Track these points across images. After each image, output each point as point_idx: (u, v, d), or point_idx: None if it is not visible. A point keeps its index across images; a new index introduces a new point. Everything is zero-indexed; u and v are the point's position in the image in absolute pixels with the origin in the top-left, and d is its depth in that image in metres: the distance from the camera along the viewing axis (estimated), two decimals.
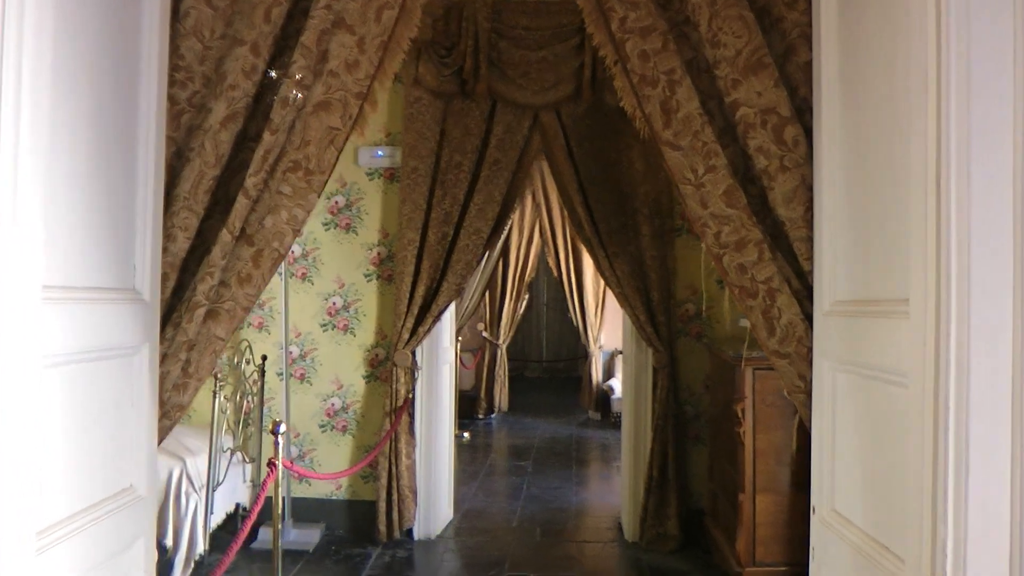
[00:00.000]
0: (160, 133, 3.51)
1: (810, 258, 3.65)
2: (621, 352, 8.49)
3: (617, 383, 13.18)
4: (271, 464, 4.93)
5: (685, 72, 3.78)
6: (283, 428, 5.05)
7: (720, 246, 3.74)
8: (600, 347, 13.90)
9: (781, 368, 3.77)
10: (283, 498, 7.05)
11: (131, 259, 3.38)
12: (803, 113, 3.69)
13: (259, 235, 3.78)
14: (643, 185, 7.13)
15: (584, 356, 14.39)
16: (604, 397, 13.69)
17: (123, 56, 3.28)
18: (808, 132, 3.66)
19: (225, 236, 3.66)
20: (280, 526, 7.05)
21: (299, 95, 3.72)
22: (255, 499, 4.85)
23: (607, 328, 13.86)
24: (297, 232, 3.83)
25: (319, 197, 3.91)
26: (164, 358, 3.65)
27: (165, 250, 3.61)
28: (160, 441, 3.69)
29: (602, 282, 13.21)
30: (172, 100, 3.67)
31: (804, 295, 3.69)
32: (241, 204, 3.67)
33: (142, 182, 3.42)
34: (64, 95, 2.86)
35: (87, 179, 3.05)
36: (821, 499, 3.69)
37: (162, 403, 3.67)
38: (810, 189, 3.65)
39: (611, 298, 12.75)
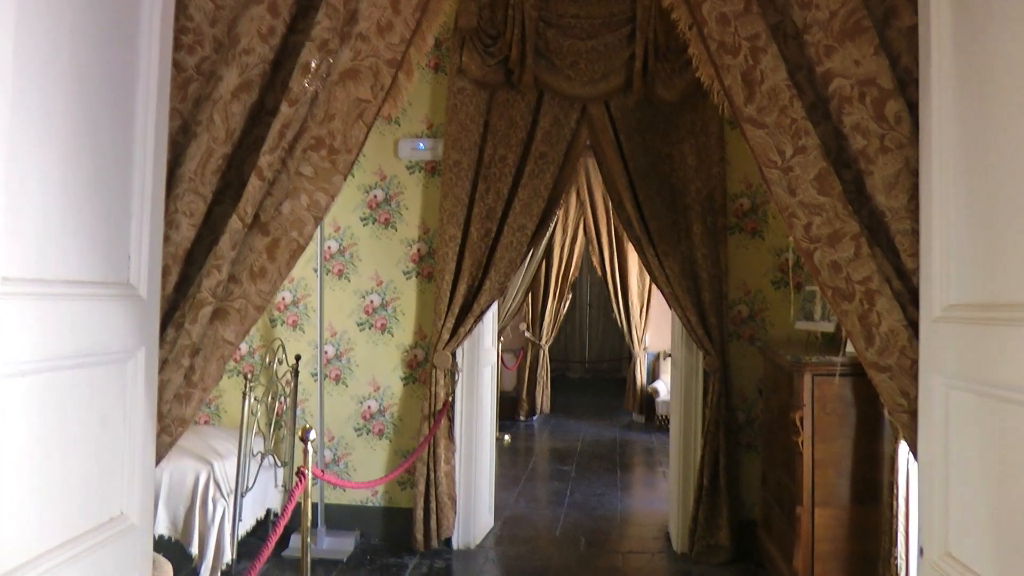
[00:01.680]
0: (163, 103, 3.13)
1: (915, 255, 3.24)
2: (670, 355, 8.20)
3: (662, 385, 13.06)
4: (300, 473, 4.66)
5: (770, 38, 3.42)
6: (313, 435, 4.79)
7: (810, 240, 3.35)
8: (645, 348, 13.68)
9: (880, 383, 3.38)
10: (315, 504, 6.91)
11: (125, 248, 2.99)
12: (906, 86, 3.29)
13: (275, 223, 3.40)
14: (695, 181, 6.89)
15: (628, 357, 14.21)
16: (649, 399, 13.51)
17: (119, 11, 2.90)
18: (912, 108, 3.26)
19: (235, 223, 3.28)
20: (310, 535, 6.93)
21: (323, 62, 3.31)
22: (285, 506, 4.55)
23: (652, 329, 13.75)
24: (318, 219, 3.48)
25: (344, 180, 3.56)
26: (164, 364, 3.27)
27: (167, 239, 3.23)
28: (159, 460, 3.32)
29: (647, 282, 13.10)
30: (178, 66, 3.27)
31: (907, 298, 3.30)
32: (254, 187, 3.28)
33: (140, 159, 3.03)
34: (32, 47, 2.47)
35: (67, 151, 2.65)
36: (931, 539, 3.28)
37: (161, 416, 3.28)
38: (914, 174, 3.25)
39: (656, 298, 12.89)
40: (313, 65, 3.28)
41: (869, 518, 5.48)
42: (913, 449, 3.34)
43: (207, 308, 3.28)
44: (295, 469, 4.79)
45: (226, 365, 3.41)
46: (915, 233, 3.23)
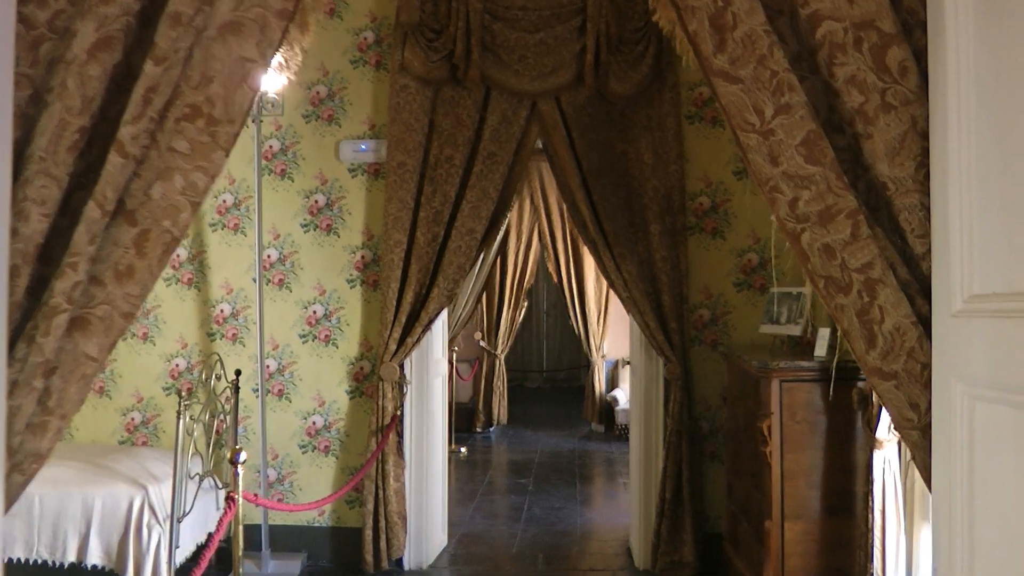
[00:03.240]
0: (5, 67, 2.63)
1: (925, 235, 2.76)
2: (628, 362, 7.95)
3: (621, 394, 12.88)
4: (230, 499, 4.29)
5: None
6: (244, 456, 4.42)
7: (797, 219, 2.86)
8: (603, 356, 13.51)
9: (884, 393, 2.89)
10: (259, 526, 6.57)
11: None
12: (911, 30, 2.83)
13: (144, 210, 2.85)
14: (652, 179, 6.66)
15: (586, 365, 14.06)
16: (608, 408, 13.33)
17: None
18: (919, 56, 2.79)
19: (93, 211, 2.73)
20: (256, 559, 6.58)
21: (199, 12, 2.79)
22: (212, 535, 4.18)
23: (610, 336, 13.53)
24: (196, 206, 2.95)
25: (227, 157, 3.05)
26: (14, 387, 2.74)
27: (14, 233, 2.71)
28: (8, 507, 2.81)
29: (604, 288, 12.94)
30: (27, 22, 2.76)
31: (916, 289, 2.81)
32: (114, 165, 2.72)
33: None
34: None
35: None
36: (951, 574, 2.77)
37: (11, 452, 2.75)
38: (923, 136, 2.78)
39: (614, 305, 12.78)
40: (185, 15, 2.77)
41: (842, 531, 5.25)
42: (925, 474, 2.86)
43: (62, 317, 2.75)
44: (225, 494, 4.41)
45: (89, 388, 2.90)
46: (925, 209, 2.76)
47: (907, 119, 2.79)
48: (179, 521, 5.72)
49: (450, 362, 11.79)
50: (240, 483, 4.43)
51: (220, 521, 4.25)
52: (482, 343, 13.40)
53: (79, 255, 2.74)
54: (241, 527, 4.44)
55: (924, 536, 4.80)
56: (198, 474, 6.02)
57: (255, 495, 5.23)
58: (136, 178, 2.85)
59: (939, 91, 2.70)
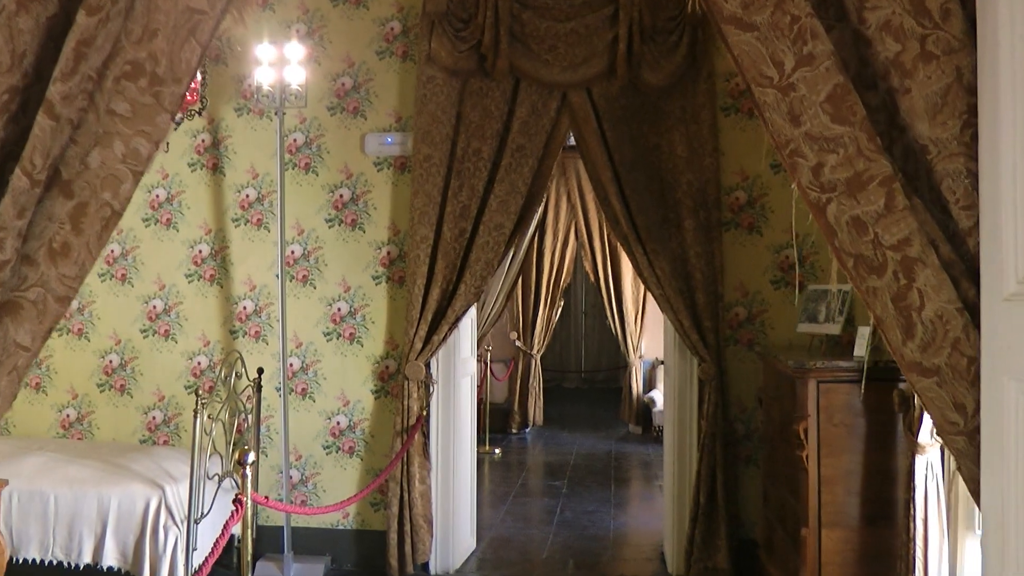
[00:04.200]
0: None
1: (972, 206, 2.40)
2: (663, 362, 7.73)
3: (659, 395, 12.67)
4: (237, 502, 4.12)
5: None
6: (252, 458, 4.24)
7: (822, 188, 2.53)
8: (641, 356, 13.41)
9: (924, 391, 2.54)
10: (281, 528, 6.44)
11: None
12: None
13: (81, 180, 2.57)
14: (686, 173, 6.49)
15: (624, 366, 13.89)
16: (645, 410, 13.19)
17: None
18: None
19: (20, 181, 2.46)
20: (280, 561, 6.44)
21: None
22: (217, 541, 4.02)
23: (648, 336, 13.40)
24: (139, 175, 2.66)
25: (173, 121, 2.77)
26: None
27: None
28: None
29: (642, 288, 12.82)
30: None
31: (961, 269, 2.43)
32: (43, 128, 2.44)
33: None
34: None
35: None
36: None
37: None
38: (970, 91, 2.43)
39: (651, 305, 12.58)
40: None
41: (882, 541, 5.02)
42: (973, 486, 2.54)
43: None
44: (233, 496, 4.24)
45: (22, 380, 2.67)
46: (972, 175, 2.39)
47: (951, 71, 2.44)
48: (196, 523, 5.61)
49: (485, 362, 11.78)
50: (248, 485, 4.25)
51: (225, 526, 4.08)
52: (517, 343, 13.28)
53: (5, 230, 2.50)
54: (250, 532, 4.26)
55: (969, 547, 4.57)
56: (217, 474, 5.87)
57: (266, 497, 5.07)
58: (72, 144, 2.59)
59: (989, 37, 2.36)
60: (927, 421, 4.42)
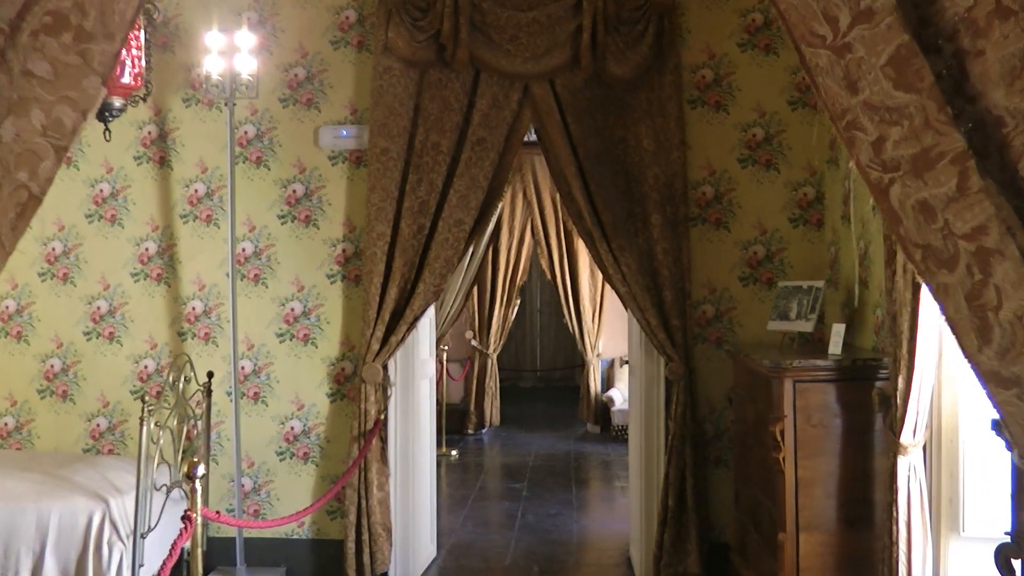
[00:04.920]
0: None
1: None
2: (627, 361, 7.60)
3: (617, 393, 12.58)
4: (186, 518, 3.86)
5: None
6: (202, 470, 3.99)
7: (884, 166, 2.13)
8: (598, 355, 13.29)
9: (1003, 405, 2.09)
10: (234, 539, 6.22)
11: None
12: None
13: None
14: (653, 167, 6.34)
15: (580, 365, 13.80)
16: (604, 409, 13.06)
17: None
18: None
19: None
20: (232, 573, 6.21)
21: None
22: (165, 561, 3.76)
23: (606, 334, 13.30)
24: (62, 151, 2.19)
25: (104, 85, 2.29)
26: None
27: None
28: None
29: (600, 285, 12.80)
30: None
31: None
32: None
33: None
34: None
35: None
36: None
37: None
38: None
39: (609, 302, 12.56)
40: None
41: (861, 544, 4.92)
42: None
43: None
44: (182, 513, 3.98)
45: None
46: None
47: None
48: (143, 537, 5.31)
49: (440, 362, 11.60)
50: (198, 500, 4.00)
51: (174, 544, 3.82)
52: (473, 342, 13.15)
53: None
54: (200, 549, 4.01)
55: (953, 549, 4.46)
56: (165, 485, 5.59)
57: (217, 512, 4.82)
58: None
59: None
60: (910, 421, 4.27)
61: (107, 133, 5.79)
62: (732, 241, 6.53)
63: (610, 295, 11.99)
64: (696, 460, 6.32)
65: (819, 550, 4.93)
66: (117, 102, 5.55)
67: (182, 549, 5.84)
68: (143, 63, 5.70)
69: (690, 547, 6.27)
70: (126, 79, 5.48)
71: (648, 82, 6.31)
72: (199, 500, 4.04)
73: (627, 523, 7.44)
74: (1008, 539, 3.11)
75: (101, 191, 6.75)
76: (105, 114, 5.60)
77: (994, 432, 3.21)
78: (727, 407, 6.46)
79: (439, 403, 11.34)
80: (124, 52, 5.37)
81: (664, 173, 6.33)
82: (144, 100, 5.97)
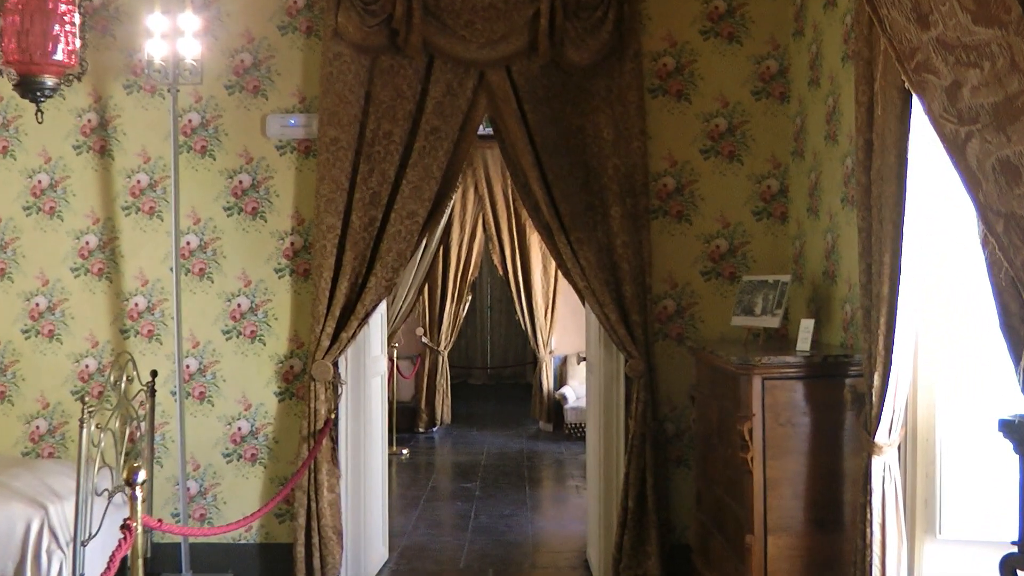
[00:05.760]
0: None
1: None
2: (584, 358, 7.45)
3: (571, 391, 12.51)
4: (125, 527, 3.62)
5: None
6: (142, 476, 3.76)
7: (960, 118, 1.82)
8: (551, 352, 13.15)
9: None
10: (179, 544, 6.01)
11: None
12: None
13: None
14: (613, 158, 6.21)
15: (533, 362, 13.74)
16: (557, 406, 12.93)
17: None
18: None
19: None
20: None
21: None
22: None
23: (558, 331, 13.19)
24: None
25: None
26: None
27: None
28: None
29: (553, 281, 12.68)
30: None
31: None
32: None
33: None
34: None
35: None
36: None
37: None
38: None
39: (562, 298, 12.58)
40: None
41: (832, 546, 4.78)
42: None
43: None
44: (122, 521, 3.74)
45: None
46: None
47: None
48: (84, 545, 5.08)
49: (391, 359, 11.41)
50: (139, 508, 3.76)
51: (112, 556, 3.58)
52: (424, 339, 13.01)
53: None
54: (141, 560, 3.77)
55: (928, 552, 4.31)
56: (107, 490, 5.35)
57: (159, 520, 4.59)
58: None
59: None
60: (885, 420, 4.12)
61: (39, 115, 5.49)
62: (694, 234, 6.40)
63: (563, 291, 12.05)
64: (657, 460, 6.17)
65: (787, 553, 4.76)
66: (49, 81, 5.24)
67: (125, 559, 5.69)
68: (78, 41, 5.41)
69: (650, 549, 6.14)
70: (59, 56, 5.17)
71: (608, 70, 6.17)
72: (139, 508, 3.79)
73: (583, 524, 7.33)
74: (1015, 549, 2.98)
75: (39, 182, 6.47)
76: (37, 93, 5.31)
77: (1002, 434, 3.06)
78: (689, 405, 6.28)
79: (390, 401, 11.25)
80: (57, 27, 5.11)
81: (624, 164, 6.19)
82: (79, 79, 5.68)
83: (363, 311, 6.18)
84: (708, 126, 6.32)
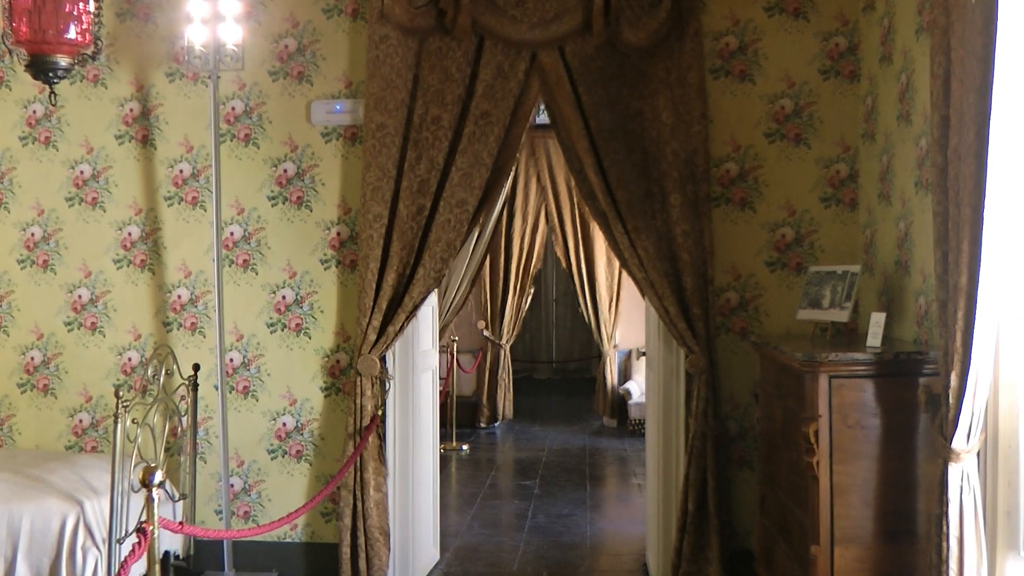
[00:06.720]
0: None
1: None
2: (644, 353, 7.22)
3: (635, 386, 12.28)
4: (140, 531, 3.43)
5: None
6: (159, 477, 3.57)
7: None
8: (615, 346, 12.94)
9: None
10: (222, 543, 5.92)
11: None
12: None
13: None
14: (672, 142, 5.96)
15: (597, 356, 13.54)
16: (621, 402, 12.73)
17: None
18: None
19: None
20: None
21: None
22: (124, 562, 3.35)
23: (623, 325, 12.96)
24: None
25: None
26: None
27: None
28: None
29: (616, 274, 12.51)
30: None
31: None
32: None
33: None
34: None
35: None
36: None
37: None
38: None
39: (626, 291, 12.40)
40: None
41: (903, 559, 4.45)
42: None
43: None
44: (136, 525, 3.56)
45: None
46: None
47: None
48: (119, 543, 4.97)
49: (451, 353, 11.39)
50: (156, 511, 3.58)
51: (124, 562, 3.39)
52: (485, 332, 12.86)
53: None
54: (157, 566, 3.58)
55: (1010, 571, 3.97)
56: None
57: (180, 524, 4.43)
58: None
59: None
60: (963, 423, 3.79)
61: (52, 96, 5.35)
62: (758, 223, 6.14)
63: (627, 284, 11.83)
64: (718, 461, 5.92)
65: (855, 566, 4.47)
66: (63, 61, 5.06)
67: (166, 553, 5.57)
68: (92, 14, 5.25)
69: (711, 555, 5.89)
70: (71, 34, 5.00)
71: (666, 50, 5.93)
72: (156, 511, 3.60)
73: (643, 525, 7.10)
74: None
75: (82, 173, 6.43)
76: (49, 74, 5.14)
77: None
78: (752, 403, 6.05)
79: (449, 396, 11.16)
80: (69, 5, 4.94)
81: (684, 149, 5.94)
82: (94, 59, 5.51)
83: (411, 304, 6.02)
84: (773, 108, 6.03)
